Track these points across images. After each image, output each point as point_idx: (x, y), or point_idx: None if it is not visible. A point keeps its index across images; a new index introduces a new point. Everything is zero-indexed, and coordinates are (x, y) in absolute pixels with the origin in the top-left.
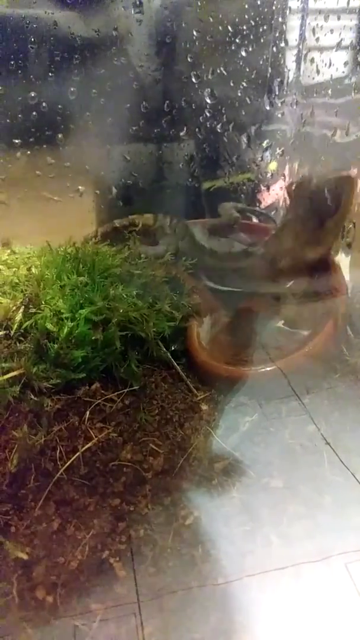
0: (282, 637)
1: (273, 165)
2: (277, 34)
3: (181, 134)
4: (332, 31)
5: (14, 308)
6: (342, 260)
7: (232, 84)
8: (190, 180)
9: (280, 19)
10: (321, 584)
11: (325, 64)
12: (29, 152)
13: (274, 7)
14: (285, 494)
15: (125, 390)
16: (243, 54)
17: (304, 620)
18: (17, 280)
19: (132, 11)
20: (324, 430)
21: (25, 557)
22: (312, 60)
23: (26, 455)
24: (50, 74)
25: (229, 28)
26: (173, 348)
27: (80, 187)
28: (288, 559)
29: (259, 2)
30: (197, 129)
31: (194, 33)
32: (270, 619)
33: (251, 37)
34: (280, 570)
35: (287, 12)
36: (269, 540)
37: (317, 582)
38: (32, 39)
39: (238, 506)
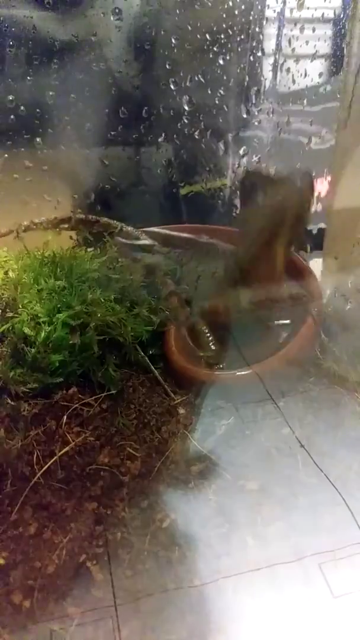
0: (257, 637)
1: None
2: (254, 43)
3: (159, 139)
4: (307, 42)
5: None
6: (315, 265)
7: (209, 91)
8: (168, 185)
9: (257, 29)
10: (295, 584)
11: (301, 74)
12: (6, 155)
13: (251, 17)
14: (261, 496)
15: (103, 395)
16: (221, 62)
17: (279, 620)
18: None
19: (112, 17)
20: (299, 433)
21: (1, 561)
22: (288, 70)
23: (3, 460)
24: (28, 78)
25: (207, 36)
26: (151, 352)
27: (58, 191)
28: (263, 560)
29: (236, 12)
30: (175, 135)
31: (173, 40)
32: (245, 619)
33: (229, 45)
34: (256, 572)
35: (264, 21)
36: (244, 542)
37: (291, 582)
38: (11, 42)
39: (214, 508)
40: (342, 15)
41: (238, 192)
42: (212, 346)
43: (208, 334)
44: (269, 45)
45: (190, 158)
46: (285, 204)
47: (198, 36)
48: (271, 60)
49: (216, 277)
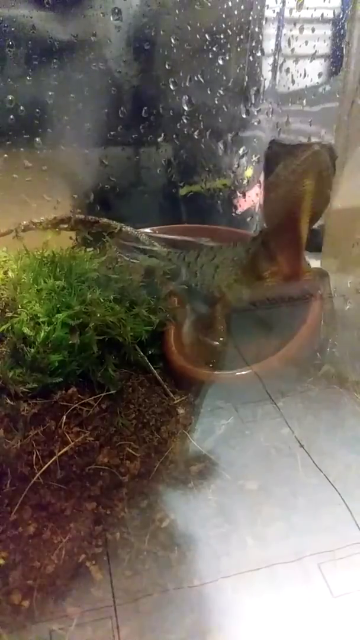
0: (256, 637)
1: (249, 172)
2: (253, 43)
3: (159, 139)
4: (306, 42)
5: None
6: (314, 265)
7: (209, 92)
8: (167, 185)
9: (256, 29)
10: (295, 584)
11: (300, 74)
12: (5, 155)
13: (250, 17)
14: (260, 496)
15: (102, 395)
16: (220, 62)
17: (278, 620)
18: None
19: (111, 17)
20: (298, 433)
21: (1, 562)
22: (287, 70)
23: (2, 460)
24: (28, 77)
25: (207, 36)
26: (150, 352)
27: (57, 191)
28: (263, 560)
29: (235, 12)
30: (174, 135)
31: (172, 40)
32: (245, 619)
33: (228, 45)
34: (255, 572)
35: (264, 21)
36: (244, 542)
37: (291, 582)
38: (10, 42)
39: (214, 508)
40: (341, 16)
41: (262, 163)
42: (223, 332)
43: (222, 320)
44: (269, 45)
45: (189, 158)
46: (306, 170)
47: (197, 36)
48: (270, 60)
49: (241, 262)
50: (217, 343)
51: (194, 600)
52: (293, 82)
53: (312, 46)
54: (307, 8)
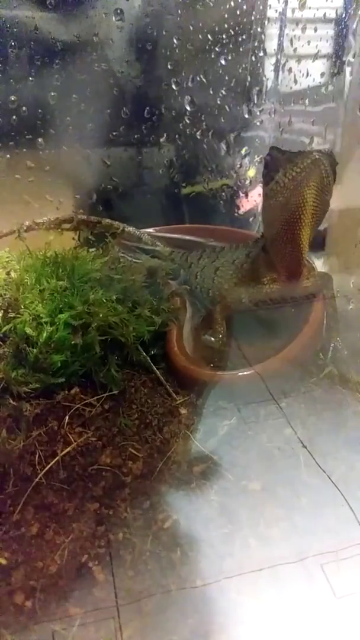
0: (259, 638)
1: (251, 172)
2: (256, 43)
3: (161, 140)
4: (309, 42)
5: None
6: (318, 265)
7: (211, 92)
8: (169, 185)
9: (259, 29)
10: (298, 585)
11: (303, 74)
12: (8, 156)
13: (253, 17)
14: (263, 497)
15: (105, 395)
16: (222, 62)
17: (281, 621)
18: None
19: (114, 18)
20: (301, 434)
21: (3, 562)
22: (289, 70)
23: (5, 460)
24: (30, 78)
25: (209, 36)
26: (152, 352)
27: (60, 191)
28: (266, 561)
29: (238, 12)
30: (177, 135)
31: (175, 41)
32: (248, 620)
33: (230, 45)
34: (258, 572)
35: (266, 21)
36: (246, 543)
37: (294, 583)
38: (13, 43)
39: (216, 509)
40: (344, 15)
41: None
42: (222, 333)
43: (221, 322)
44: (271, 45)
45: (192, 158)
46: (306, 178)
47: (200, 36)
48: (273, 60)
49: (242, 265)
50: (215, 343)
51: (197, 600)
52: (295, 81)
53: (315, 46)
54: (310, 8)
